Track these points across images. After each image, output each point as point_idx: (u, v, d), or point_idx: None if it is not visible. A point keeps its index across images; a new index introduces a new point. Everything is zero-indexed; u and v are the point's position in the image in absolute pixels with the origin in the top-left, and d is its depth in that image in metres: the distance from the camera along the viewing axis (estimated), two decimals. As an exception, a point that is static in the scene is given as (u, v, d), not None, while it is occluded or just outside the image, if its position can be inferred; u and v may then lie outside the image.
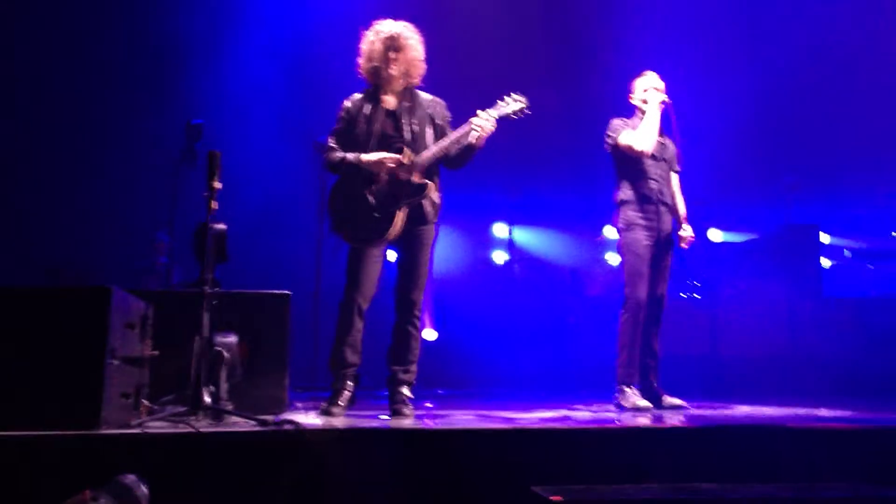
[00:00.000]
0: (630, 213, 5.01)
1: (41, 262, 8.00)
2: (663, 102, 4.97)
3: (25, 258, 7.98)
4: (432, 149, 4.29)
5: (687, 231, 5.12)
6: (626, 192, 5.05)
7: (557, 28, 9.52)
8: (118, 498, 2.49)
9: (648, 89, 5.06)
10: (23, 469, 2.80)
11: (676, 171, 5.21)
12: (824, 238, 8.84)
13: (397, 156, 4.24)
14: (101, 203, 8.53)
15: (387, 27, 4.38)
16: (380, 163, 4.23)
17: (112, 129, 8.57)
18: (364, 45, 4.39)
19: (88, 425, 2.99)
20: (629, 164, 4.99)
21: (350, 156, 4.30)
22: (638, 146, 4.90)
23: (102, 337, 3.08)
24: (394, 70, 4.33)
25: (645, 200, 4.99)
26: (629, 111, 5.19)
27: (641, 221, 4.98)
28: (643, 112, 5.07)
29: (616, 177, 5.13)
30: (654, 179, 5.02)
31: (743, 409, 4.80)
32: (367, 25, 4.47)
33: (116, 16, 8.71)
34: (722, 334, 7.77)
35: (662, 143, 5.07)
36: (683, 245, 5.12)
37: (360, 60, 4.40)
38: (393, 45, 4.33)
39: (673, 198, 5.15)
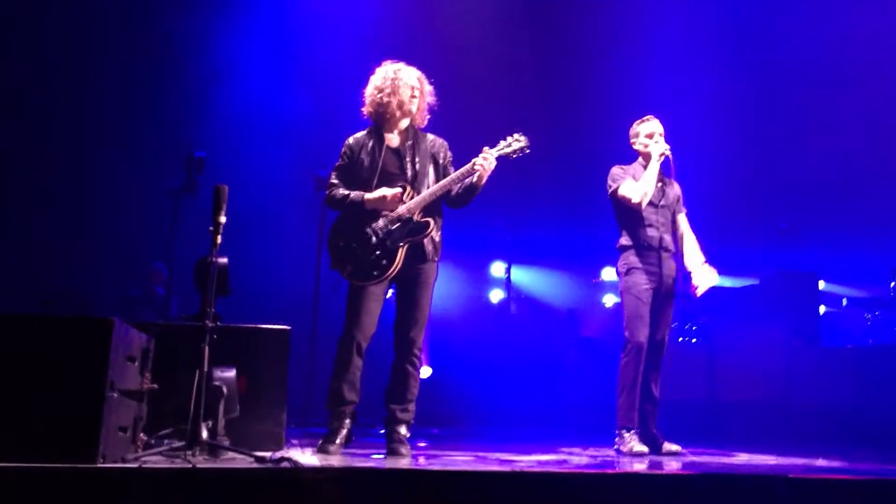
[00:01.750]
0: (631, 258, 5.04)
1: (35, 291, 7.98)
2: (663, 153, 4.99)
3: (20, 286, 7.95)
4: (433, 188, 4.33)
5: (703, 276, 5.01)
6: (626, 239, 5.09)
7: (559, 68, 9.63)
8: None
9: (650, 136, 5.11)
10: (18, 501, 2.77)
11: (682, 212, 5.23)
12: (822, 285, 8.86)
13: (398, 190, 4.27)
14: (98, 232, 8.53)
15: (407, 70, 4.44)
16: (382, 199, 4.26)
17: (110, 157, 8.59)
18: (378, 81, 4.44)
19: (85, 458, 2.96)
20: (629, 212, 5.03)
21: (353, 194, 4.33)
22: (635, 199, 4.95)
23: (103, 369, 3.06)
24: (412, 107, 4.40)
25: (646, 247, 5.03)
26: (630, 153, 5.24)
27: (642, 266, 5.00)
28: (644, 157, 5.12)
29: (617, 223, 5.16)
30: (654, 227, 5.05)
31: (741, 457, 4.78)
32: (371, 59, 4.54)
33: (116, 44, 8.76)
34: (719, 380, 7.76)
35: (663, 190, 5.10)
36: (697, 293, 5.03)
37: (373, 94, 4.44)
38: (417, 87, 4.41)
39: (679, 242, 5.15)
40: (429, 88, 4.50)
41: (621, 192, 5.02)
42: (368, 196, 4.28)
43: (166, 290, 7.52)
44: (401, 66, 4.47)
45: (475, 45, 9.34)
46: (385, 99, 4.40)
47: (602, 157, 5.50)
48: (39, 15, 8.45)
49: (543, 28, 9.68)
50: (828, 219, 9.08)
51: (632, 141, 5.23)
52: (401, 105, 4.39)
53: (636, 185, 4.99)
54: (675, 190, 5.19)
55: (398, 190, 4.28)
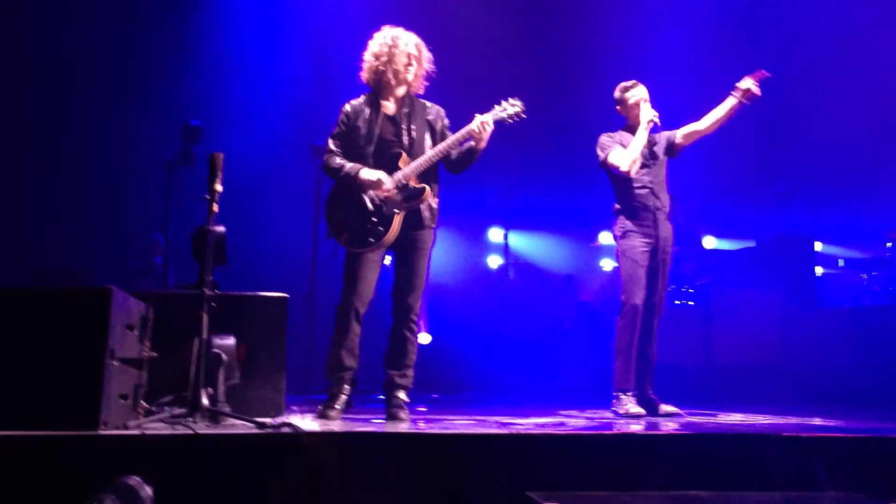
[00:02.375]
0: (626, 221, 5.05)
1: (32, 264, 7.99)
2: (651, 121, 4.96)
3: (16, 259, 7.96)
4: (428, 153, 4.32)
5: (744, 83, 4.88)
6: (621, 202, 5.09)
7: (554, 33, 9.55)
8: (123, 500, 2.50)
9: (638, 102, 5.07)
10: (21, 469, 2.80)
11: (676, 132, 5.14)
12: (819, 246, 8.88)
13: (391, 187, 4.27)
14: (95, 203, 8.52)
15: (405, 37, 4.39)
16: (377, 182, 4.25)
17: (107, 128, 8.55)
18: (375, 48, 4.40)
19: (87, 426, 2.99)
20: (620, 177, 5.02)
21: (349, 166, 4.32)
22: (624, 167, 4.93)
23: (102, 338, 3.09)
24: (408, 75, 4.37)
25: (640, 209, 5.02)
26: (621, 118, 5.21)
27: (638, 229, 5.01)
28: (630, 122, 5.09)
29: (611, 187, 5.16)
30: (646, 188, 5.04)
31: (737, 417, 4.83)
32: (369, 28, 4.50)
33: (113, 15, 8.69)
34: (716, 342, 7.80)
35: (652, 150, 5.07)
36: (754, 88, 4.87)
37: (370, 60, 4.40)
38: (415, 55, 4.37)
39: (701, 124, 5.02)
40: (427, 55, 4.45)
41: (610, 160, 5.01)
42: (363, 175, 4.27)
43: (164, 260, 7.53)
44: (398, 32, 4.42)
45: (469, 11, 9.25)
46: (381, 67, 4.37)
47: (597, 121, 5.46)
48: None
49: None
50: (825, 181, 9.07)
51: (617, 107, 5.19)
52: (397, 74, 4.36)
53: (625, 153, 4.96)
54: (662, 141, 5.14)
55: (393, 190, 4.27)
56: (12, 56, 8.28)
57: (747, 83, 4.89)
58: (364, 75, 4.44)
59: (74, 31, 8.43)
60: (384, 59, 4.35)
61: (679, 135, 5.12)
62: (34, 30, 8.39)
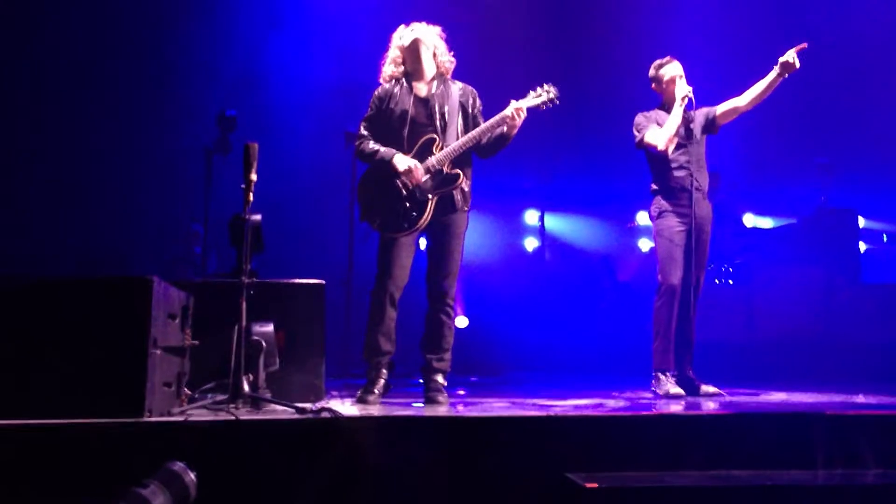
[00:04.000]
0: (662, 202, 5.01)
1: (75, 253, 8.14)
2: (685, 97, 4.90)
3: (60, 248, 8.12)
4: (462, 139, 4.32)
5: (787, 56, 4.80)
6: (658, 182, 5.06)
7: (586, 13, 9.45)
8: (167, 485, 2.56)
9: (672, 80, 5.00)
10: (69, 456, 2.88)
11: (716, 108, 5.07)
12: (862, 222, 8.71)
13: (423, 176, 4.29)
14: (135, 193, 8.64)
15: (410, 35, 4.43)
16: (407, 171, 4.27)
17: (145, 119, 8.67)
18: (390, 53, 4.48)
19: (133, 413, 3.06)
20: (656, 157, 4.98)
21: (382, 151, 4.34)
22: (661, 146, 4.89)
23: (145, 327, 3.14)
24: (423, 66, 4.41)
25: (678, 189, 4.98)
26: (656, 95, 5.16)
27: (674, 209, 4.96)
28: (666, 100, 5.03)
29: (648, 167, 5.12)
30: (683, 167, 4.99)
31: (778, 396, 4.77)
32: (396, 21, 4.52)
33: (150, 6, 8.79)
34: (758, 320, 7.69)
35: (689, 128, 5.00)
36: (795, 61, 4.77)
37: (387, 65, 4.48)
38: (428, 48, 4.41)
39: (744, 98, 4.95)
40: (441, 42, 4.46)
41: (647, 140, 4.97)
42: (396, 162, 4.29)
43: (203, 249, 7.63)
44: (403, 32, 4.47)
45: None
46: (396, 70, 4.45)
47: (632, 101, 5.41)
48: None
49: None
50: (866, 154, 8.87)
51: (652, 85, 5.14)
52: (416, 71, 4.42)
53: (660, 131, 4.91)
54: (700, 119, 5.07)
55: (425, 177, 4.28)
56: (50, 42, 8.39)
57: (790, 55, 4.80)
58: (382, 79, 4.50)
59: (112, 18, 8.54)
60: (399, 60, 4.44)
61: (718, 111, 5.06)
62: (73, 17, 8.50)
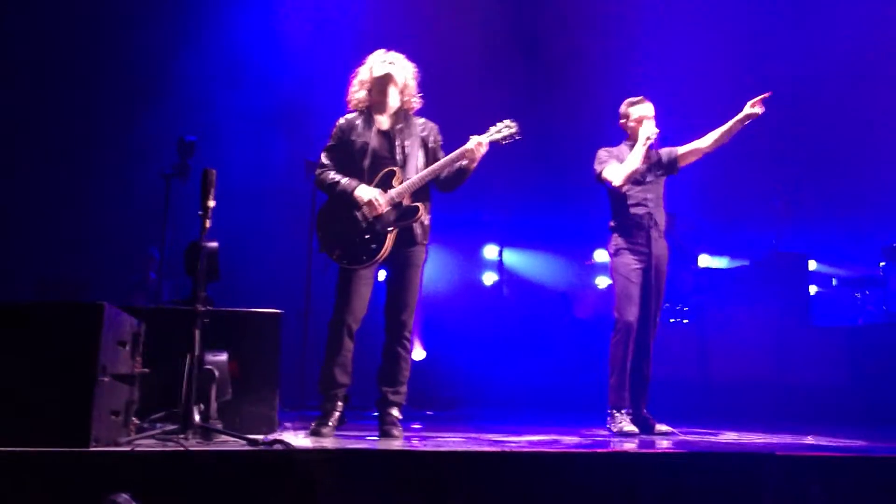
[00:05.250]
0: (619, 239, 5.05)
1: (30, 277, 7.97)
2: (649, 138, 4.98)
3: (15, 272, 7.95)
4: (422, 173, 4.34)
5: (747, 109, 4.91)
6: (615, 219, 5.10)
7: (549, 52, 9.61)
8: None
9: (639, 120, 5.09)
10: (11, 486, 2.78)
11: (677, 150, 5.15)
12: (813, 265, 8.90)
13: (384, 208, 4.28)
14: (92, 218, 8.52)
15: (382, 66, 4.42)
16: (369, 203, 4.26)
17: (103, 143, 8.58)
18: (360, 76, 4.47)
19: (78, 442, 2.97)
20: (615, 192, 5.03)
21: (343, 182, 4.33)
22: (617, 182, 4.94)
23: (94, 354, 3.06)
24: (388, 100, 4.41)
25: (634, 227, 5.02)
26: (620, 134, 5.23)
27: (631, 246, 5.01)
28: (631, 138, 5.11)
29: (608, 202, 5.17)
30: (641, 205, 5.04)
31: (730, 436, 4.82)
32: (358, 52, 4.54)
33: (109, 31, 8.73)
34: (712, 360, 7.81)
35: (649, 167, 5.07)
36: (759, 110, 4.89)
37: (355, 90, 4.47)
38: (394, 82, 4.40)
39: (704, 142, 5.03)
40: (412, 82, 4.47)
41: (605, 175, 5.02)
42: (358, 193, 4.28)
43: (158, 276, 7.52)
44: (375, 61, 4.45)
45: (464, 31, 9.29)
46: (364, 97, 4.44)
47: (594, 139, 5.48)
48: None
49: (533, 8, 9.64)
50: (818, 200, 9.10)
51: (621, 121, 5.21)
52: (380, 103, 4.41)
53: (620, 168, 4.98)
54: (661, 158, 5.12)
55: (384, 209, 4.28)
56: (11, 65, 8.29)
57: (755, 103, 4.91)
58: (351, 105, 4.49)
59: (70, 43, 8.46)
60: (367, 87, 4.43)
61: (680, 151, 5.14)
62: (32, 41, 8.41)
